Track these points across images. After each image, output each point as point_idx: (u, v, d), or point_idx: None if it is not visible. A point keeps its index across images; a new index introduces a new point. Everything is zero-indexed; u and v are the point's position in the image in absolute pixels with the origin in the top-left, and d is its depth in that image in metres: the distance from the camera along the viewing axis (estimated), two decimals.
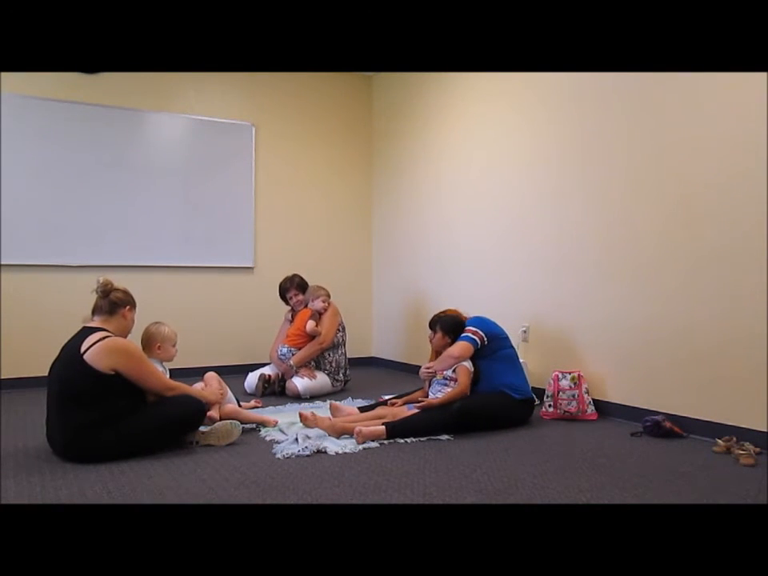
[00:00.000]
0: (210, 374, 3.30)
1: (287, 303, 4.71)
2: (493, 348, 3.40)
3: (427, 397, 3.38)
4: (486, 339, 3.39)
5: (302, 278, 4.68)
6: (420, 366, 3.57)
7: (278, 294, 4.72)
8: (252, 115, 5.44)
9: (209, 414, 3.05)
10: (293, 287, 4.61)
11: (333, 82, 5.79)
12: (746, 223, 2.92)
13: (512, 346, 3.49)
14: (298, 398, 4.18)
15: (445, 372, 3.37)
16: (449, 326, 3.49)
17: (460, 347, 3.36)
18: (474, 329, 3.42)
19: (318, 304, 4.46)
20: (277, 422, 3.27)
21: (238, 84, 5.39)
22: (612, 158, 3.59)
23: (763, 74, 2.84)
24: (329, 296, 4.54)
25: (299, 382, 4.23)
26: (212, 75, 5.27)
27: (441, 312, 3.65)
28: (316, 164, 5.72)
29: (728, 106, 3.01)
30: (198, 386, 3.23)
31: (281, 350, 4.43)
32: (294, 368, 4.32)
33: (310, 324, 4.36)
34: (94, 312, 2.86)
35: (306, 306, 4.55)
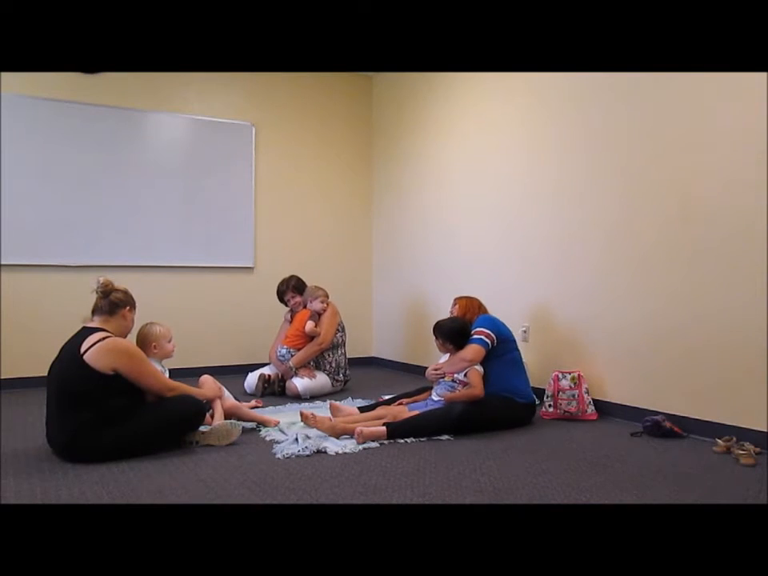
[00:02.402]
0: (205, 377, 3.28)
1: (286, 305, 4.70)
2: (500, 351, 3.36)
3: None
4: (496, 341, 3.34)
5: (298, 279, 4.65)
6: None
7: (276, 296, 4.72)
8: (252, 115, 5.43)
9: (211, 419, 3.06)
10: (289, 290, 4.59)
11: (333, 82, 5.79)
12: (747, 222, 2.92)
13: (518, 349, 3.47)
14: (297, 398, 4.18)
15: (455, 375, 3.33)
16: (448, 333, 3.41)
17: (472, 351, 3.28)
18: (485, 330, 3.34)
19: (316, 305, 4.45)
20: (278, 423, 3.27)
21: (238, 84, 5.39)
22: (612, 158, 3.58)
23: (763, 74, 2.84)
24: (327, 296, 4.52)
25: (299, 382, 4.22)
26: (212, 75, 5.26)
27: (469, 302, 3.61)
28: (316, 164, 5.72)
29: (728, 105, 3.00)
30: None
31: (280, 351, 4.42)
32: (294, 369, 4.32)
33: (309, 325, 4.36)
34: (93, 312, 2.86)
35: (304, 307, 4.54)
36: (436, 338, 3.46)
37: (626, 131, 3.50)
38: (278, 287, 4.66)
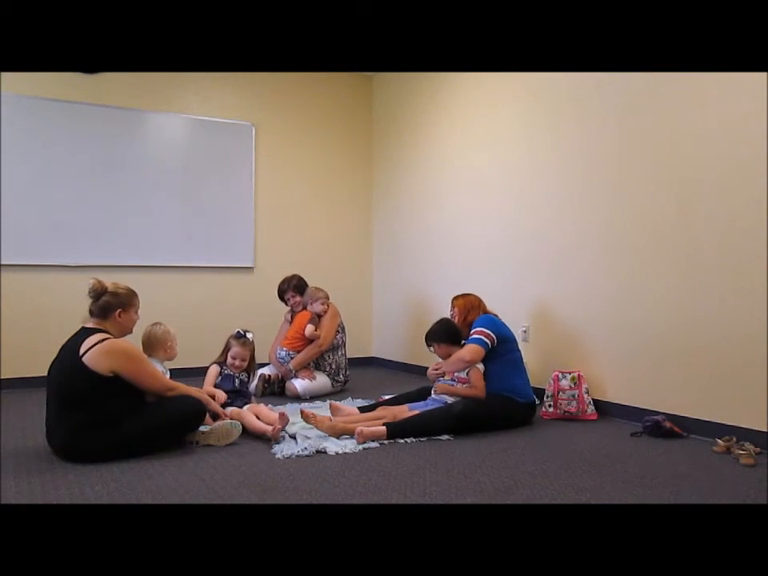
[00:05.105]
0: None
1: (286, 304, 4.68)
2: (501, 350, 3.35)
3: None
4: (495, 341, 3.34)
5: (300, 279, 4.63)
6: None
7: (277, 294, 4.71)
8: (252, 115, 5.43)
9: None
10: (290, 289, 4.56)
11: (333, 81, 5.79)
12: (746, 222, 2.92)
13: (518, 349, 3.47)
14: (297, 398, 4.18)
15: (454, 373, 3.34)
16: (443, 335, 3.43)
17: (471, 351, 3.28)
18: (485, 330, 3.33)
19: (317, 307, 4.43)
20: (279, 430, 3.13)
21: (238, 84, 5.39)
22: (610, 159, 3.58)
23: (763, 74, 2.83)
24: (328, 297, 4.50)
25: (299, 384, 4.22)
26: (212, 75, 5.26)
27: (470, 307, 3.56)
28: (316, 164, 5.72)
29: (728, 105, 3.00)
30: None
31: (279, 354, 4.41)
32: (294, 372, 4.31)
33: (309, 328, 4.33)
34: (90, 314, 2.82)
35: (304, 308, 4.52)
36: (428, 345, 3.48)
37: (624, 131, 3.50)
38: (279, 286, 4.64)
